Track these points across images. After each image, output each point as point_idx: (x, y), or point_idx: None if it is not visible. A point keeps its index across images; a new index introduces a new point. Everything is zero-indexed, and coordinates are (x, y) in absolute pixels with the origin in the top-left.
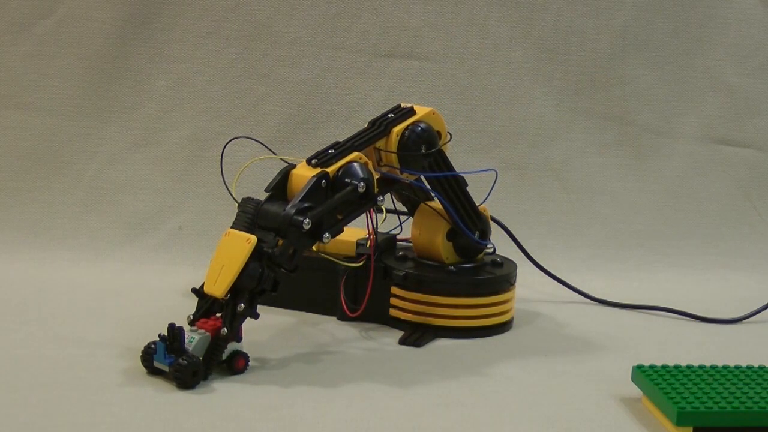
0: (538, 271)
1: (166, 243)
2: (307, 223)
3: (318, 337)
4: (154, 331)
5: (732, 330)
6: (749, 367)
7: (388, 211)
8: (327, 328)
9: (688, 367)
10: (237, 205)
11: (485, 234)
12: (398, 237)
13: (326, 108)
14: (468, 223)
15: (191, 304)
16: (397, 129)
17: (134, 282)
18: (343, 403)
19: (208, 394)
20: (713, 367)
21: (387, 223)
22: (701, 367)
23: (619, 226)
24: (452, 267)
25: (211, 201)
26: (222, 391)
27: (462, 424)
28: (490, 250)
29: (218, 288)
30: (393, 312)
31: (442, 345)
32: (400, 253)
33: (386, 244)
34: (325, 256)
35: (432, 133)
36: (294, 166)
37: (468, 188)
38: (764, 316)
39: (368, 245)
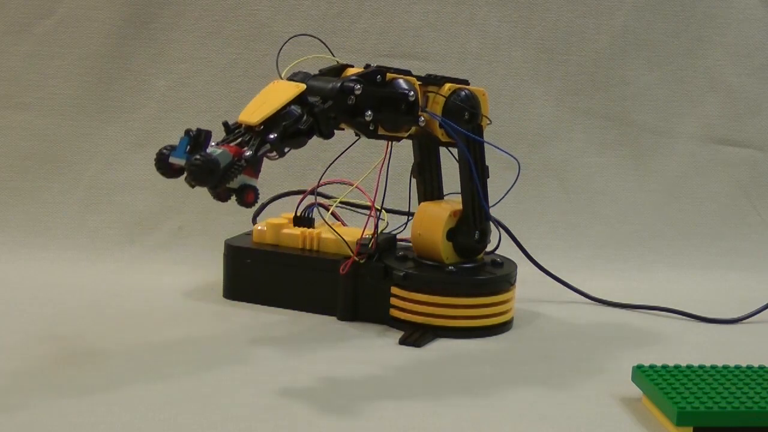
0: (538, 271)
1: (166, 243)
2: (358, 89)
3: (318, 337)
4: (154, 330)
5: (732, 330)
6: (749, 367)
7: (387, 211)
8: (327, 328)
9: (688, 367)
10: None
11: (485, 234)
12: (398, 237)
13: None
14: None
15: (192, 304)
16: (450, 85)
17: (134, 282)
18: (343, 404)
19: (207, 394)
20: (713, 367)
21: (387, 225)
22: (701, 367)
23: (619, 226)
24: (452, 267)
25: (211, 201)
26: (221, 391)
27: (461, 424)
28: (493, 246)
29: (255, 116)
30: (393, 312)
31: (442, 345)
32: (400, 253)
33: (386, 244)
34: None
35: (478, 105)
36: (351, 66)
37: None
38: (764, 316)
39: (369, 245)
